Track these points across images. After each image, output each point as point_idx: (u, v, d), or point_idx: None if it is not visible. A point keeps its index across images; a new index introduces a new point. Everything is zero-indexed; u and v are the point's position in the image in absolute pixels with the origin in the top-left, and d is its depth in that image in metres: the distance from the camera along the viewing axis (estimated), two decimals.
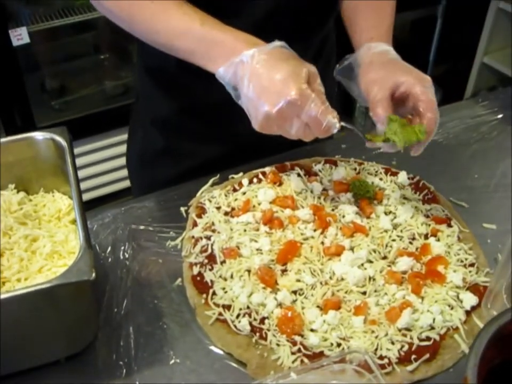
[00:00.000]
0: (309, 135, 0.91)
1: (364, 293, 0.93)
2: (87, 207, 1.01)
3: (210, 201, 1.09)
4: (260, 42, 0.91)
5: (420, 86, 0.97)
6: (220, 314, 0.90)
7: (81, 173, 2.55)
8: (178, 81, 1.09)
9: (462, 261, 0.99)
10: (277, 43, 0.90)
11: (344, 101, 3.10)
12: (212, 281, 0.94)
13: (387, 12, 1.14)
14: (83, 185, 2.60)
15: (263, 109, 0.86)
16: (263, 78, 0.86)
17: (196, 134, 0.89)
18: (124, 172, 2.61)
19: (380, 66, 1.02)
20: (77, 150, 2.46)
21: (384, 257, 0.99)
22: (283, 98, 0.85)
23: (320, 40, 1.23)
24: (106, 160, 2.62)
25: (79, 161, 2.53)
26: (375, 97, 0.99)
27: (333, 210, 1.07)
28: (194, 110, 1.03)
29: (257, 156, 1.18)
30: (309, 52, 1.18)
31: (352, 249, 1.00)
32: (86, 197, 2.63)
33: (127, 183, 2.62)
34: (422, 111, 0.97)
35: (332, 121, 0.87)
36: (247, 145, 1.15)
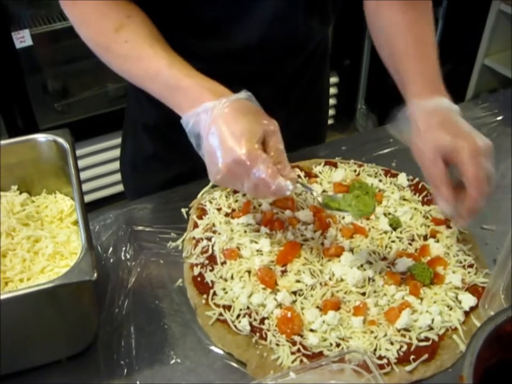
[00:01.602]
0: (260, 195, 0.90)
1: (363, 294, 0.94)
2: (90, 209, 1.02)
3: (211, 202, 1.09)
4: (225, 92, 0.88)
5: (468, 155, 0.90)
6: (220, 314, 0.90)
7: (83, 175, 2.56)
8: None
9: (461, 262, 0.99)
10: (242, 95, 0.88)
11: (345, 102, 3.12)
12: (212, 282, 0.95)
13: (429, 39, 1.05)
14: (85, 187, 2.60)
15: (216, 165, 0.85)
16: (219, 133, 0.84)
17: (185, 141, 0.90)
18: None
19: (430, 129, 0.95)
20: (79, 152, 2.47)
21: (384, 258, 1.00)
22: (231, 157, 0.83)
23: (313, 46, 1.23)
24: (108, 162, 2.63)
25: (82, 163, 2.54)
26: (435, 178, 0.94)
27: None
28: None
29: None
30: (298, 61, 1.19)
31: (351, 250, 1.00)
32: (89, 198, 2.63)
33: None
34: (466, 186, 0.91)
35: (282, 184, 0.84)
36: None
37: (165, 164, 1.28)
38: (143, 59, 0.91)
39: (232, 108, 0.85)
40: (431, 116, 0.95)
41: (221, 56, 1.07)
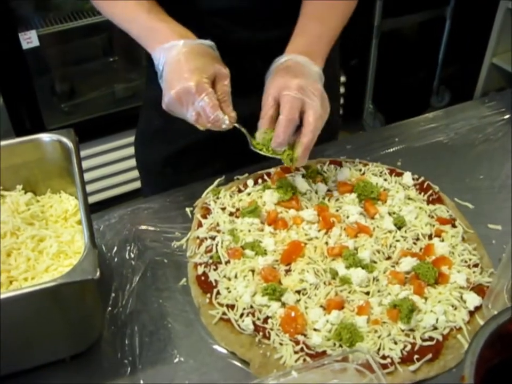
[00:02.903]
0: (201, 123, 1.00)
1: (367, 293, 0.94)
2: (95, 209, 1.02)
3: (215, 202, 1.10)
4: (191, 36, 1.03)
5: (285, 92, 1.01)
6: (224, 313, 0.90)
7: (91, 175, 2.57)
8: None
9: (466, 262, 0.99)
10: (205, 41, 1.03)
11: (352, 101, 3.11)
12: (216, 281, 0.95)
13: (327, 20, 1.13)
14: (91, 187, 2.61)
15: (168, 91, 0.98)
16: (177, 66, 0.98)
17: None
18: (132, 174, 2.63)
19: (274, 75, 1.06)
20: (86, 152, 2.48)
21: (388, 258, 1.00)
22: (183, 85, 0.96)
23: None
24: (115, 162, 2.63)
25: (89, 163, 2.55)
26: (262, 109, 1.04)
27: (337, 211, 1.07)
28: None
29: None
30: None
31: (356, 249, 1.00)
32: (94, 199, 2.64)
33: (134, 186, 2.64)
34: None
35: (220, 116, 0.98)
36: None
37: (172, 136, 1.34)
38: (127, 5, 1.07)
39: (192, 48, 1.00)
40: (280, 65, 1.06)
41: (211, 17, 1.16)
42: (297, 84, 1.00)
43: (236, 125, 1.02)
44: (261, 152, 1.05)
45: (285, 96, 1.00)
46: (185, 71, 0.97)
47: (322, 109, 1.02)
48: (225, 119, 0.99)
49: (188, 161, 1.32)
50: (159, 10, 1.07)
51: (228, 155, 1.24)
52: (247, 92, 1.12)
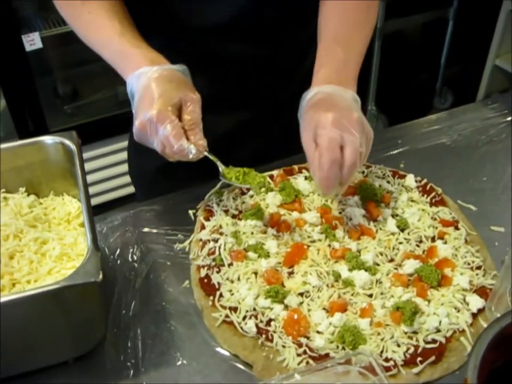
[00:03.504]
0: (167, 154, 0.95)
1: (370, 296, 0.93)
2: (97, 211, 1.02)
3: (218, 204, 1.10)
4: (162, 62, 0.99)
5: (323, 125, 0.94)
6: (227, 316, 0.90)
7: (93, 177, 2.57)
8: None
9: (469, 264, 0.99)
10: (176, 66, 0.99)
11: None
12: (219, 283, 0.95)
13: (352, 44, 1.06)
14: (94, 189, 2.61)
15: (135, 120, 0.94)
16: (144, 93, 0.94)
17: None
18: None
19: (308, 110, 0.99)
20: (89, 154, 2.48)
21: (391, 260, 1.00)
22: (146, 114, 0.92)
23: (305, 40, 1.23)
24: (118, 164, 2.64)
25: (92, 165, 2.55)
26: (307, 155, 0.97)
27: (340, 213, 1.07)
28: None
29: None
30: (280, 52, 1.21)
31: (359, 251, 1.00)
32: (97, 201, 2.64)
33: None
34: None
35: (184, 146, 0.93)
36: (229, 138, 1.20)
37: None
38: (100, 28, 1.03)
39: (160, 74, 0.95)
40: (311, 99, 0.99)
41: (201, 34, 1.13)
42: (331, 119, 0.93)
43: (206, 153, 0.97)
44: (231, 183, 1.02)
45: (322, 137, 0.93)
46: (149, 99, 0.93)
47: (362, 137, 0.94)
48: (192, 149, 0.93)
49: (180, 171, 1.29)
50: (133, 33, 1.03)
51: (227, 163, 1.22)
52: (238, 105, 1.11)
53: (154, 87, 0.94)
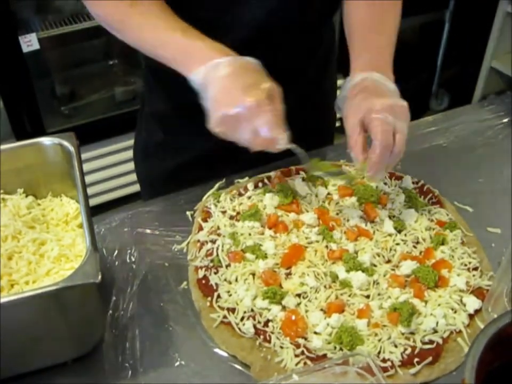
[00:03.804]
0: (256, 144, 0.95)
1: (368, 296, 0.94)
2: (95, 212, 1.02)
3: (215, 205, 1.10)
4: (234, 53, 0.97)
5: (376, 111, 0.95)
6: (225, 317, 0.91)
7: (91, 178, 2.57)
8: (174, 80, 1.13)
9: (465, 265, 0.99)
10: (249, 58, 0.96)
11: None
12: (216, 284, 0.95)
13: (384, 29, 1.09)
14: (92, 190, 2.61)
15: (221, 110, 0.93)
16: (227, 83, 0.92)
17: (191, 128, 0.97)
18: (132, 177, 2.63)
19: (353, 97, 1.01)
20: (86, 155, 2.48)
21: (388, 261, 1.00)
22: (241, 103, 0.90)
23: (315, 41, 1.25)
24: (115, 165, 2.64)
25: (89, 166, 2.55)
26: (351, 137, 0.99)
27: (337, 214, 1.08)
28: (189, 107, 1.07)
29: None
30: (285, 57, 1.20)
31: (356, 253, 1.00)
32: (95, 201, 2.64)
33: (134, 188, 2.64)
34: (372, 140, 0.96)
35: (280, 136, 0.93)
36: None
37: (173, 150, 1.32)
38: (157, 27, 1.00)
39: (242, 64, 0.94)
40: (356, 86, 1.01)
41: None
42: (385, 105, 0.95)
43: (291, 145, 0.97)
44: (318, 174, 1.05)
45: (375, 120, 0.94)
46: (241, 89, 0.91)
47: (406, 125, 0.98)
48: (283, 139, 0.94)
49: (190, 174, 1.30)
50: (194, 30, 1.00)
51: (232, 166, 1.21)
52: None
53: (242, 76, 0.93)
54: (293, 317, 0.89)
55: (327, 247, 1.01)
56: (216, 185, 1.16)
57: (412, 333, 0.89)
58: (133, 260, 1.03)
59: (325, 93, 1.38)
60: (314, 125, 1.37)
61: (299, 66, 1.25)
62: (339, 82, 1.36)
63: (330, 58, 1.34)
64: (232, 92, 0.92)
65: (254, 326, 0.89)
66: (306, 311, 0.92)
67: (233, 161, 1.15)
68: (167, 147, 1.32)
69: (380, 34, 1.07)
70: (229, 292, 0.94)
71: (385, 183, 1.15)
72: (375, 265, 0.98)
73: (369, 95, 0.98)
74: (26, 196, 1.03)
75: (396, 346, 0.87)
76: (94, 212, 0.91)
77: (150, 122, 1.34)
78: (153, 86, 1.30)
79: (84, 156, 1.25)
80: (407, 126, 0.98)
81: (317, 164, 1.04)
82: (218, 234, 1.03)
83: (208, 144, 1.07)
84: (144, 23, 1.01)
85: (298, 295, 0.94)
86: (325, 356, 0.85)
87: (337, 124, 1.63)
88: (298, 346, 0.86)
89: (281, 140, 0.94)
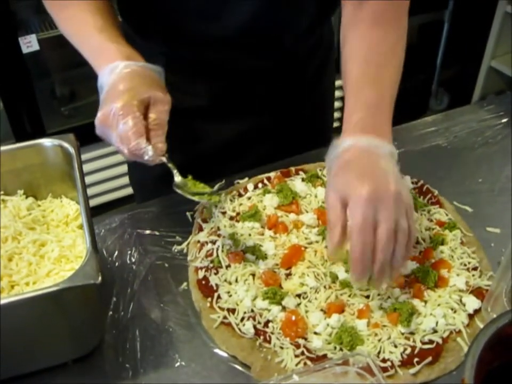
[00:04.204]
0: (124, 152, 0.89)
1: (367, 297, 0.94)
2: (95, 213, 1.02)
3: (215, 206, 1.10)
4: (137, 58, 0.96)
5: (355, 201, 0.83)
6: (225, 317, 0.91)
7: (90, 179, 2.57)
8: (168, 86, 1.13)
9: (465, 265, 0.99)
10: (151, 65, 0.96)
11: None
12: (217, 285, 0.95)
13: (388, 66, 1.00)
14: (91, 191, 2.61)
15: (98, 113, 0.90)
16: (112, 87, 0.91)
17: (184, 133, 0.95)
18: None
19: (338, 171, 0.89)
20: (86, 156, 2.48)
21: None
22: (110, 106, 0.88)
23: (313, 42, 1.24)
24: (115, 166, 2.64)
25: (89, 167, 2.55)
26: (329, 220, 0.87)
27: None
28: (179, 112, 1.07)
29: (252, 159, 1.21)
30: (282, 62, 1.20)
31: None
32: (95, 202, 2.64)
33: None
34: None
35: (142, 145, 0.86)
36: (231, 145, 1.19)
37: (172, 152, 1.30)
38: (82, 24, 1.01)
39: (133, 70, 0.92)
40: (342, 155, 0.89)
41: (205, 45, 1.11)
42: (367, 192, 0.82)
43: (164, 159, 0.91)
44: (184, 194, 0.95)
45: (354, 212, 0.83)
46: (117, 92, 0.89)
47: (399, 212, 0.83)
48: (149, 150, 0.87)
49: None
50: (113, 30, 1.00)
51: (232, 167, 1.22)
52: (240, 114, 1.10)
53: (124, 81, 0.90)
54: (293, 317, 0.89)
55: (326, 247, 1.01)
56: (216, 186, 1.15)
57: (412, 333, 0.89)
58: (133, 260, 1.03)
59: (323, 93, 1.38)
60: (312, 125, 1.37)
61: (298, 67, 1.25)
62: (338, 82, 1.37)
63: (329, 59, 1.34)
64: (111, 95, 0.90)
65: (254, 327, 0.89)
66: (306, 311, 0.92)
67: (231, 165, 1.15)
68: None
69: (377, 89, 0.95)
70: (229, 292, 0.94)
71: None
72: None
73: (352, 172, 0.86)
74: (27, 197, 1.03)
75: (395, 346, 0.87)
76: (94, 212, 0.92)
77: None
78: None
79: (84, 157, 1.25)
80: (395, 214, 0.83)
81: (191, 181, 0.97)
82: (218, 235, 1.03)
83: (203, 148, 1.07)
84: (73, 17, 1.02)
85: (298, 296, 0.94)
86: (325, 356, 0.86)
87: (336, 124, 1.64)
88: (298, 346, 0.87)
89: (148, 151, 0.87)
